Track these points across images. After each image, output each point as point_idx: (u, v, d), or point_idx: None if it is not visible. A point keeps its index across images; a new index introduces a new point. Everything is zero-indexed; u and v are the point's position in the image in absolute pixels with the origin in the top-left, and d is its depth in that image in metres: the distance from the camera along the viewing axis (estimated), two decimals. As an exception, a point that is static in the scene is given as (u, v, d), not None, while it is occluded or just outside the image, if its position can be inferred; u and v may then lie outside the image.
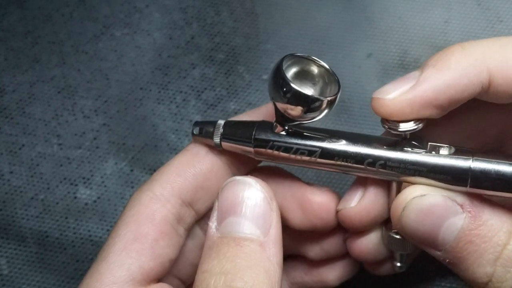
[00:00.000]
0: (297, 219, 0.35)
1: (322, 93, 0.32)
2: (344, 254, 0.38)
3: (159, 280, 0.33)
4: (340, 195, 0.36)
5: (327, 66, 0.32)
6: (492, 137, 0.35)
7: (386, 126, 0.31)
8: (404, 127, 0.31)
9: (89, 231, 0.45)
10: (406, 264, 0.37)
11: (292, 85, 0.30)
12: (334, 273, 0.38)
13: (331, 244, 0.37)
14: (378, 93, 0.31)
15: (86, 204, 0.46)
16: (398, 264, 0.36)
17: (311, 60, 0.32)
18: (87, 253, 0.45)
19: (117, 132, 0.48)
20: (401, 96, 0.30)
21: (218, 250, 0.29)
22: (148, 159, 0.47)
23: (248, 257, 0.29)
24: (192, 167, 0.34)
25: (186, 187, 0.34)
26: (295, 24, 0.50)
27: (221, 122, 0.34)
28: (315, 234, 0.37)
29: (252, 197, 0.31)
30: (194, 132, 0.35)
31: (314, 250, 0.37)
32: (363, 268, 0.39)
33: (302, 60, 0.32)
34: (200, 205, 0.35)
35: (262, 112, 0.36)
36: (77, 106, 0.48)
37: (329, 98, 0.31)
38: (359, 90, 0.48)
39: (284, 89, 0.30)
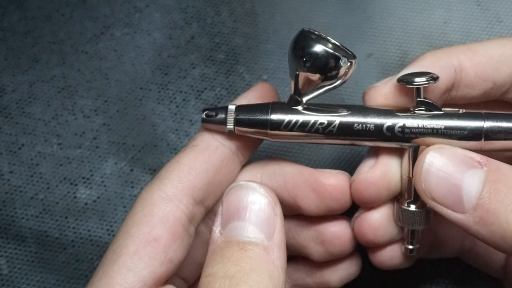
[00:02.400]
0: (312, 204, 0.35)
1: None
2: (347, 256, 0.38)
3: (166, 281, 0.33)
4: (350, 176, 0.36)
5: (338, 43, 0.33)
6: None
7: (403, 82, 0.33)
8: (419, 81, 0.32)
9: (89, 231, 0.45)
10: (417, 249, 0.36)
11: (314, 47, 0.31)
12: (336, 274, 0.38)
13: (334, 245, 0.37)
14: (367, 89, 0.35)
15: (86, 204, 0.46)
16: (410, 247, 0.36)
17: (324, 37, 0.33)
18: (87, 253, 0.45)
19: (117, 132, 0.48)
20: (387, 84, 0.34)
21: (223, 254, 0.30)
22: (148, 159, 0.47)
23: (253, 261, 0.29)
24: (203, 164, 0.34)
25: (198, 185, 0.33)
26: (295, 24, 0.50)
27: (232, 107, 0.34)
28: (318, 236, 0.36)
29: (257, 202, 0.31)
30: (205, 118, 0.34)
31: (318, 252, 0.37)
32: (365, 270, 0.39)
33: (317, 36, 0.33)
34: (210, 200, 0.35)
35: (254, 94, 0.36)
36: (77, 106, 0.48)
37: (348, 62, 0.32)
38: (359, 90, 0.48)
39: (304, 57, 0.32)
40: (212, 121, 0.34)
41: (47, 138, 0.47)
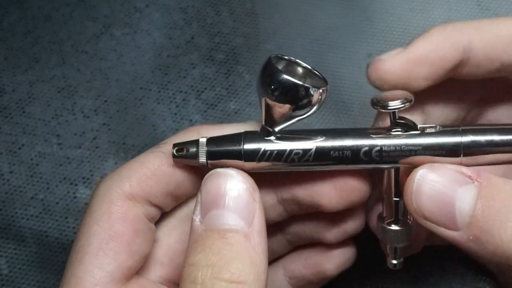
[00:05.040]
0: (333, 200, 0.34)
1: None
2: (341, 243, 0.38)
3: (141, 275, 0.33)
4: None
5: (310, 67, 0.32)
6: (473, 103, 0.38)
7: (378, 107, 0.32)
8: (393, 105, 0.32)
9: (89, 231, 0.45)
10: (401, 262, 0.36)
11: (283, 75, 0.30)
12: (331, 262, 0.38)
13: (350, 225, 0.37)
14: (372, 61, 0.34)
15: (86, 204, 0.46)
16: (394, 262, 0.36)
17: (294, 62, 0.32)
18: (87, 253, 0.45)
19: (117, 132, 0.48)
20: (395, 57, 0.33)
21: (203, 243, 0.30)
22: (148, 159, 0.47)
23: (234, 248, 0.29)
24: (166, 175, 0.33)
25: (156, 193, 0.33)
26: (295, 24, 0.50)
27: (203, 139, 0.33)
28: (334, 216, 0.36)
29: (235, 189, 0.31)
30: (175, 154, 0.33)
31: (333, 233, 0.37)
32: (360, 261, 0.39)
33: (287, 61, 0.32)
34: (168, 207, 0.35)
35: (238, 127, 0.35)
36: (77, 106, 0.48)
37: (319, 90, 0.30)
38: (359, 90, 0.48)
39: (273, 86, 0.30)
40: (183, 156, 0.33)
41: (47, 138, 0.47)
